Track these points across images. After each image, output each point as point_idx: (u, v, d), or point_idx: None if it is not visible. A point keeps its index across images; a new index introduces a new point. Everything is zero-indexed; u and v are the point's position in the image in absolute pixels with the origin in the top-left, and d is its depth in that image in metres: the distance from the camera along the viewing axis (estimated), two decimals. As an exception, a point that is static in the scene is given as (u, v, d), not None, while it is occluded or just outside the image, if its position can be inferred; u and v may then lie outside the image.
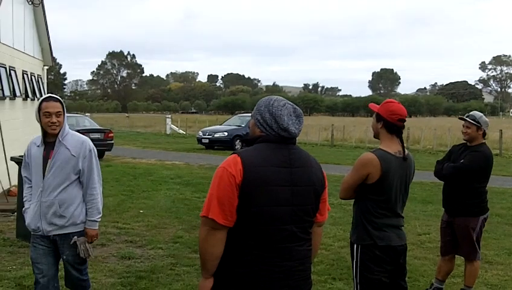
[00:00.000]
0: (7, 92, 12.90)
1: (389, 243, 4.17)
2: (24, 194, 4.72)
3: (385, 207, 4.16)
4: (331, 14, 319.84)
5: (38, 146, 4.57)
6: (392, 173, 4.12)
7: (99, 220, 4.68)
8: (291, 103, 3.05)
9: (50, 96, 4.59)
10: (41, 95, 17.28)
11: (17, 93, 13.87)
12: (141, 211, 10.78)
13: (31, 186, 4.62)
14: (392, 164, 4.12)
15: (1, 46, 12.73)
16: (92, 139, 20.01)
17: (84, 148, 4.55)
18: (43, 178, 4.48)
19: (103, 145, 21.76)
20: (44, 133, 4.54)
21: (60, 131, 4.48)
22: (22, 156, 4.84)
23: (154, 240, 8.52)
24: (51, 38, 18.29)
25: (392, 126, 4.19)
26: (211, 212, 2.86)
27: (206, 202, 2.91)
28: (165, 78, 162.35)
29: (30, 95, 15.72)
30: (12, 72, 13.66)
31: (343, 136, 34.38)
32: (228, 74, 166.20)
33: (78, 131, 20.43)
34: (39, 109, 4.48)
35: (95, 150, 4.67)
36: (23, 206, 4.71)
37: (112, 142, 22.36)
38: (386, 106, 4.24)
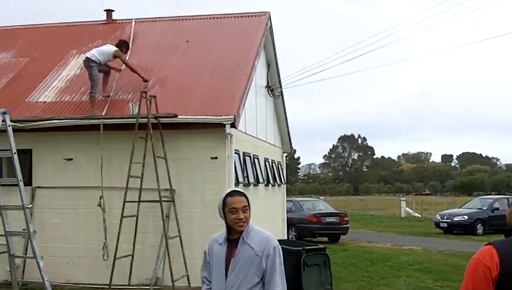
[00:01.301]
0: (252, 179, 13.78)
1: None
2: None
3: None
4: None
5: (220, 244, 4.18)
6: None
7: None
8: None
9: (235, 191, 4.25)
10: (281, 181, 18.16)
11: (260, 180, 14.74)
12: (382, 299, 10.47)
13: (210, 288, 4.23)
14: None
15: (246, 136, 13.72)
16: (328, 223, 20.02)
17: (268, 246, 4.08)
18: (225, 279, 4.07)
19: (339, 229, 22.09)
20: (229, 230, 4.17)
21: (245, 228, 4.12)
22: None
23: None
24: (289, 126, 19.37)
25: None
26: None
27: None
28: (396, 160, 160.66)
29: (271, 181, 16.59)
30: (256, 161, 14.60)
31: None
32: (463, 153, 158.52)
33: (314, 215, 20.61)
34: (224, 204, 4.12)
35: (280, 249, 4.16)
36: None
37: (347, 225, 22.51)
38: None
